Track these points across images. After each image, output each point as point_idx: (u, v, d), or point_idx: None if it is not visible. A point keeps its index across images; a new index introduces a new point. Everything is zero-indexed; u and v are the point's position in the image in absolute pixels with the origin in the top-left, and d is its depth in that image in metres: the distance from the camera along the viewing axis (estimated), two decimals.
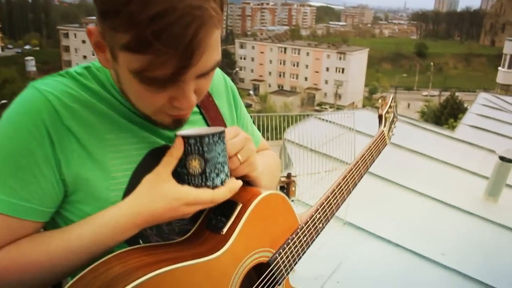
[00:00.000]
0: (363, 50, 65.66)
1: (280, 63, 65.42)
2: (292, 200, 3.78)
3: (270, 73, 66.27)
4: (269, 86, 64.41)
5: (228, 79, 1.11)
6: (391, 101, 1.46)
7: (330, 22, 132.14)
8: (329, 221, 1.13)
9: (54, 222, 0.83)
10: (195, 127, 0.93)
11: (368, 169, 1.29)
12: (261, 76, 66.58)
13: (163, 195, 0.80)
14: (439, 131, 8.48)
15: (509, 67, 33.59)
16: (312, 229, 1.07)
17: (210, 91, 1.00)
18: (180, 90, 0.76)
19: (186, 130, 0.85)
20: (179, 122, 0.85)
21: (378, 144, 1.35)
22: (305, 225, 1.04)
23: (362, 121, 6.82)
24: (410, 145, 6.80)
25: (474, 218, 5.01)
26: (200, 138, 0.81)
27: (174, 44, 0.66)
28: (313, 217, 1.07)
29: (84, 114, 0.80)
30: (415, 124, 8.77)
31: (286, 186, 3.70)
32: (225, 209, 0.89)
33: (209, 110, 1.01)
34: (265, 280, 0.95)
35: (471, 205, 5.23)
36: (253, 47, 68.84)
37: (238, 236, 0.87)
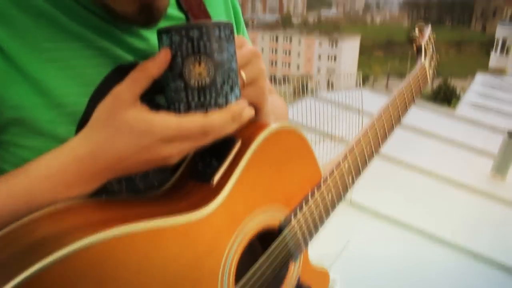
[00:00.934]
0: (355, 37, 65.50)
1: (272, 52, 64.98)
2: None
3: None
4: None
5: None
6: (430, 32, 1.19)
7: (322, 10, 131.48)
8: (361, 173, 0.85)
9: None
10: None
11: (407, 109, 1.02)
12: None
13: (126, 127, 0.54)
14: (439, 109, 8.28)
15: (501, 52, 33.77)
16: (339, 183, 0.78)
17: None
18: None
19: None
20: (149, 12, 0.56)
21: (419, 80, 1.06)
22: (330, 177, 0.76)
23: (358, 101, 6.63)
24: (411, 123, 6.57)
25: (482, 196, 4.85)
26: (207, 27, 0.54)
27: None
28: (341, 167, 0.79)
29: (8, 9, 0.54)
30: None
31: None
32: (217, 148, 0.63)
33: (199, 17, 0.73)
34: (275, 253, 0.68)
35: (479, 182, 5.06)
36: None
37: (236, 187, 0.61)
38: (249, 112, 0.59)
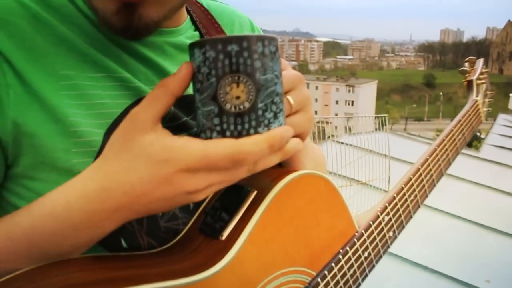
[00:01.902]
0: (372, 82, 65.89)
1: None
2: None
3: None
4: None
5: (256, 27, 0.79)
6: (482, 67, 1.08)
7: (338, 56, 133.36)
8: (404, 227, 0.76)
9: None
10: None
11: (458, 151, 0.92)
12: None
13: (143, 154, 0.45)
14: (464, 151, 8.11)
15: None
16: (378, 239, 0.69)
17: (215, 17, 0.71)
18: None
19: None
20: (128, 16, 0.50)
21: (471, 118, 0.97)
22: (365, 232, 0.67)
23: (379, 144, 6.52)
24: None
25: None
26: (248, 41, 0.45)
27: None
28: (379, 219, 0.70)
29: (29, 34, 0.50)
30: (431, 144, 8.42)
31: None
32: (228, 199, 0.55)
33: (212, 32, 0.69)
34: None
35: (510, 226, 4.82)
36: None
37: (248, 243, 0.52)
38: (295, 144, 0.49)
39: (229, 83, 0.44)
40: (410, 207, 0.77)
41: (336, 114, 60.74)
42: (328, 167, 5.86)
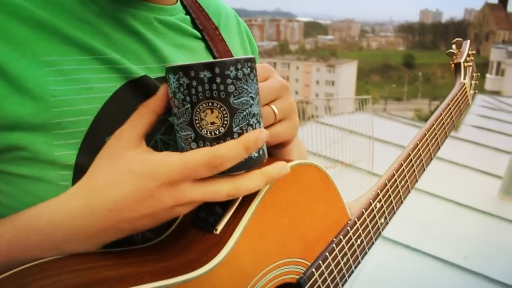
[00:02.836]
0: (352, 62, 66.06)
1: None
2: None
3: None
4: None
5: (241, 20, 0.79)
6: (469, 49, 1.06)
7: (318, 36, 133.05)
8: (395, 212, 0.76)
9: None
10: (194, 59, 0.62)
11: (447, 135, 0.92)
12: None
13: (125, 170, 0.46)
14: None
15: (496, 74, 34.06)
16: (370, 226, 0.69)
17: (216, 24, 0.71)
18: None
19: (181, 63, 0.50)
20: None
21: (459, 101, 0.96)
22: (358, 220, 0.67)
23: (361, 125, 6.57)
24: None
25: (492, 218, 4.76)
26: (221, 66, 0.45)
27: None
28: (372, 206, 0.69)
29: (3, 23, 0.47)
30: (416, 125, 8.52)
31: None
32: None
33: (216, 43, 0.69)
34: None
35: (487, 205, 4.97)
36: None
37: (243, 238, 0.51)
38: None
39: (204, 109, 0.46)
40: (401, 193, 0.77)
41: (317, 95, 60.87)
42: (310, 148, 5.89)
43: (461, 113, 0.98)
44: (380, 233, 0.72)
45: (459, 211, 4.89)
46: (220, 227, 0.51)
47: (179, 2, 0.66)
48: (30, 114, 0.46)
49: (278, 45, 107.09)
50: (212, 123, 0.46)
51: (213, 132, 0.46)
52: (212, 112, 0.46)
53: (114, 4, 0.55)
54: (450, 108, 0.93)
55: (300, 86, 63.11)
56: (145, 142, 0.51)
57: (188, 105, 0.46)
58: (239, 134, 0.47)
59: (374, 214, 0.70)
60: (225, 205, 0.52)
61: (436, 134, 0.88)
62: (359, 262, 0.68)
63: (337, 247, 0.63)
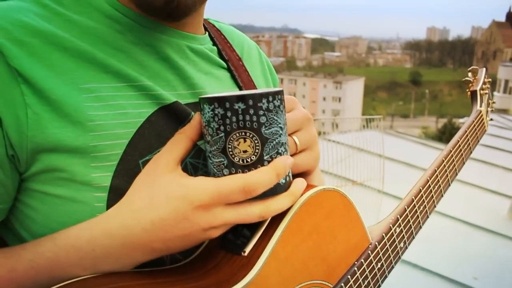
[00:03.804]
0: (359, 79, 66.27)
1: None
2: None
3: None
4: None
5: (262, 52, 0.84)
6: (484, 76, 1.08)
7: (325, 53, 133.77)
8: (414, 237, 0.78)
9: (10, 227, 0.55)
10: (217, 91, 0.65)
11: (464, 162, 0.93)
12: None
13: (162, 193, 0.49)
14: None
15: (504, 92, 33.97)
16: (390, 250, 0.71)
17: (240, 55, 0.75)
18: None
19: (212, 94, 0.54)
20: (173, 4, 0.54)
21: (476, 128, 0.98)
22: (379, 244, 0.69)
23: (369, 142, 6.56)
24: (420, 164, 6.49)
25: (502, 238, 4.71)
26: (254, 99, 0.48)
27: None
28: (392, 231, 0.71)
29: (47, 53, 0.51)
30: (424, 144, 8.49)
31: None
32: None
33: (240, 73, 0.72)
34: None
35: (497, 224, 4.92)
36: None
37: (270, 260, 0.53)
38: (291, 161, 0.52)
39: (237, 138, 0.49)
40: (419, 218, 0.79)
41: (324, 111, 60.92)
42: (320, 165, 5.88)
43: (478, 140, 0.99)
44: (399, 257, 0.74)
45: (468, 230, 4.85)
46: (248, 249, 0.53)
47: (207, 33, 0.70)
48: (70, 137, 0.50)
49: (285, 61, 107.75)
50: (245, 151, 0.49)
51: (245, 160, 0.49)
52: (245, 141, 0.49)
53: (150, 31, 0.58)
54: (467, 135, 0.94)
55: (307, 103, 63.25)
56: None
57: (222, 134, 0.49)
58: (269, 162, 0.50)
59: (394, 238, 0.72)
60: (253, 228, 0.54)
61: (453, 160, 0.89)
62: (379, 286, 0.70)
63: (358, 270, 0.65)
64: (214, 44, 0.70)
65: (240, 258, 0.53)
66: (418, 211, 0.78)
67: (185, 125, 0.54)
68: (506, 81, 33.95)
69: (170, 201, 0.48)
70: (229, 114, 0.48)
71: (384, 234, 0.70)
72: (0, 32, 0.49)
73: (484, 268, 4.11)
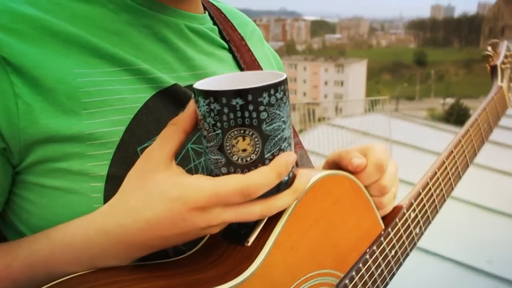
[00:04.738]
0: (362, 61, 66.14)
1: None
2: None
3: None
4: None
5: (264, 40, 0.84)
6: (505, 49, 1.04)
7: (326, 36, 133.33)
8: (430, 222, 0.75)
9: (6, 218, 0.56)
10: (219, 72, 0.63)
11: (484, 140, 0.90)
12: None
13: (157, 192, 0.48)
14: (457, 131, 8.21)
15: None
16: (405, 237, 0.69)
17: (242, 35, 0.74)
18: None
19: (207, 79, 0.51)
20: None
21: (496, 105, 0.95)
22: (392, 230, 0.66)
23: (372, 126, 6.52)
24: (429, 146, 6.48)
25: None
26: (254, 93, 0.45)
27: None
28: (406, 216, 0.69)
29: (38, 40, 0.50)
30: (431, 125, 8.46)
31: None
32: None
33: (243, 53, 0.71)
34: None
35: (510, 207, 4.89)
36: None
37: (274, 249, 0.52)
38: (294, 158, 0.50)
39: (235, 136, 0.45)
40: (436, 202, 0.76)
41: (326, 96, 60.79)
42: (322, 151, 5.88)
43: (499, 117, 0.96)
44: (415, 244, 0.72)
45: (481, 213, 4.86)
46: (251, 239, 0.52)
47: (207, 12, 0.68)
48: (63, 126, 0.49)
49: (284, 45, 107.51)
50: (244, 150, 0.46)
51: (244, 159, 0.46)
52: (244, 139, 0.46)
53: (145, 10, 0.57)
54: (487, 113, 0.91)
55: (308, 88, 63.18)
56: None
57: (219, 131, 0.46)
58: (270, 160, 0.47)
59: (409, 224, 0.70)
60: None
61: (472, 140, 0.86)
62: (394, 274, 0.68)
63: (370, 258, 0.63)
64: (215, 23, 0.69)
65: (243, 248, 0.52)
66: (434, 195, 0.76)
67: (179, 115, 0.51)
68: None
69: (165, 201, 0.47)
70: (226, 110, 0.45)
71: (397, 220, 0.67)
72: None
73: (498, 251, 4.13)
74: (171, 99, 0.56)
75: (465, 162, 0.84)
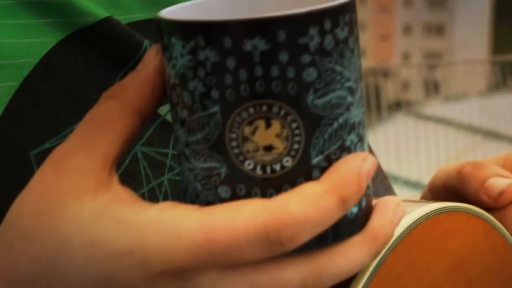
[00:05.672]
0: None
1: None
2: None
3: None
4: None
5: None
6: None
7: None
8: None
9: None
10: None
11: None
12: None
13: (80, 242, 0.24)
14: None
15: None
16: None
17: None
18: None
19: (183, 4, 0.25)
20: None
21: None
22: None
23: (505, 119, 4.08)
24: None
25: None
26: (291, 24, 0.21)
27: None
28: None
29: None
30: None
31: None
32: None
33: None
34: None
35: None
36: None
37: None
38: (373, 166, 0.27)
39: (250, 118, 0.24)
40: None
41: (406, 56, 36.38)
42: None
43: None
44: None
45: None
46: None
47: None
48: None
49: None
50: (269, 147, 0.24)
51: (269, 168, 0.24)
52: (269, 125, 0.24)
53: None
54: None
55: (371, 37, 40.88)
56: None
57: (216, 109, 0.24)
58: (323, 170, 0.24)
59: None
60: None
61: None
62: None
63: None
64: None
65: None
66: None
67: (124, 79, 0.29)
68: None
69: (97, 261, 0.27)
70: (232, 64, 0.23)
71: None
72: None
73: None
74: (95, 48, 0.34)
75: None
